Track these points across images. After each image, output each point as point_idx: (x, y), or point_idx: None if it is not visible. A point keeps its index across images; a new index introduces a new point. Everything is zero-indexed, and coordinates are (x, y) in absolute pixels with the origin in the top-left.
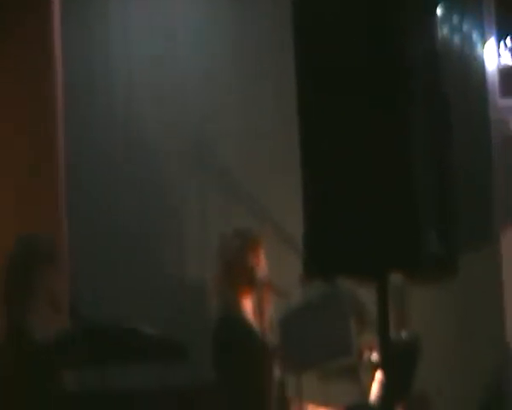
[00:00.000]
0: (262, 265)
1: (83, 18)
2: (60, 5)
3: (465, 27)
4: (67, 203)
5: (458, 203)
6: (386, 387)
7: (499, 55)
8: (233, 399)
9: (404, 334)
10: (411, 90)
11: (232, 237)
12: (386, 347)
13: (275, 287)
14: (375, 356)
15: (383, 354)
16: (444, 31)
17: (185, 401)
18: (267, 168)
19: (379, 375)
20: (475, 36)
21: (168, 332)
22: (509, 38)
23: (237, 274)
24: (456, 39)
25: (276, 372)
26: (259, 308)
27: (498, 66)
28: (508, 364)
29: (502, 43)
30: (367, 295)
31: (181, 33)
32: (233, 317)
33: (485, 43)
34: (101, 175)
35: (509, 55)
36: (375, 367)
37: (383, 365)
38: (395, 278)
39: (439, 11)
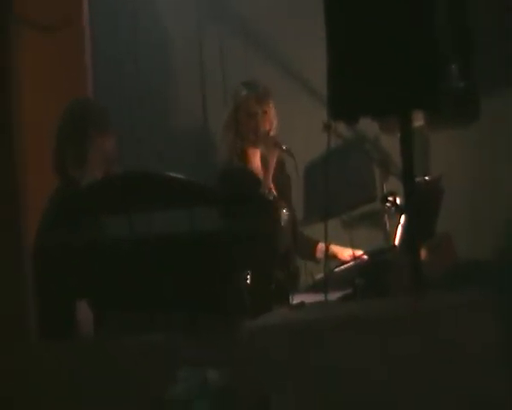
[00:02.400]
0: (270, 119)
1: None
2: None
3: None
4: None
5: (478, 42)
6: (409, 230)
7: None
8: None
9: (427, 177)
10: None
11: (240, 86)
12: (409, 189)
13: (279, 143)
14: (399, 201)
15: (407, 197)
16: None
17: (214, 246)
18: (286, 14)
19: (403, 219)
20: None
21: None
22: None
23: (243, 122)
24: None
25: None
26: (264, 162)
27: None
28: None
29: None
30: (390, 146)
31: None
32: (237, 165)
33: None
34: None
35: None
36: (399, 212)
37: (407, 208)
38: (418, 124)
39: None
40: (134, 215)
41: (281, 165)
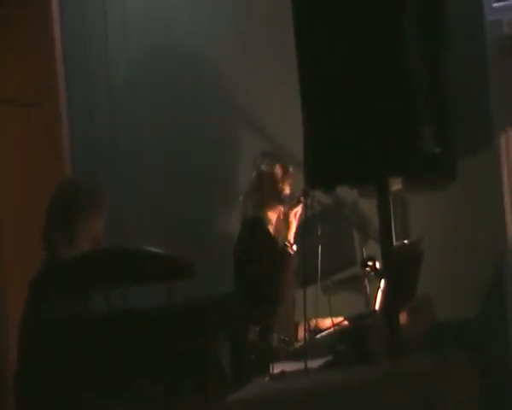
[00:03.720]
0: (291, 183)
1: None
2: None
3: None
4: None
5: (453, 104)
6: (389, 294)
7: None
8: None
9: (406, 241)
10: None
11: (266, 158)
12: (388, 254)
13: (301, 201)
14: (378, 265)
15: (386, 262)
16: None
17: (192, 317)
18: (264, 80)
19: (383, 283)
20: None
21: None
22: None
23: (268, 190)
24: None
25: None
26: (285, 219)
27: None
28: (508, 265)
29: None
30: (369, 209)
31: None
32: (257, 222)
33: None
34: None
35: None
36: (379, 277)
37: (386, 272)
38: (396, 187)
39: None
40: (112, 290)
41: None
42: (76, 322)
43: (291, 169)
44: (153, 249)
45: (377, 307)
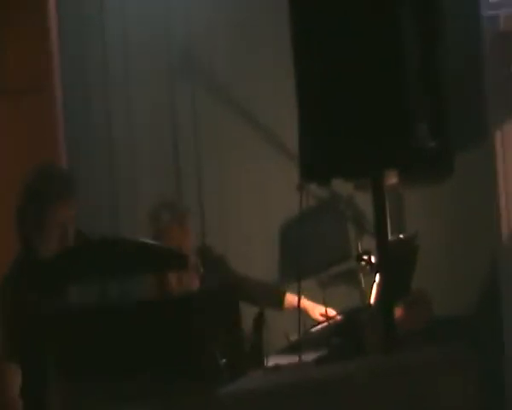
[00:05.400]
0: (190, 235)
1: None
2: None
3: None
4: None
5: (449, 99)
6: (384, 288)
7: None
8: None
9: (401, 236)
10: None
11: (160, 209)
12: (383, 248)
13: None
14: (374, 259)
15: (381, 256)
16: None
17: (187, 308)
18: (259, 76)
19: (378, 277)
20: None
21: None
22: None
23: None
24: None
25: None
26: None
27: None
28: (503, 259)
29: None
30: (365, 203)
31: None
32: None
33: None
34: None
35: None
36: (374, 271)
37: (381, 266)
38: (391, 181)
39: None
40: (106, 281)
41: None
42: (63, 317)
43: (190, 220)
44: (146, 240)
45: (372, 300)
